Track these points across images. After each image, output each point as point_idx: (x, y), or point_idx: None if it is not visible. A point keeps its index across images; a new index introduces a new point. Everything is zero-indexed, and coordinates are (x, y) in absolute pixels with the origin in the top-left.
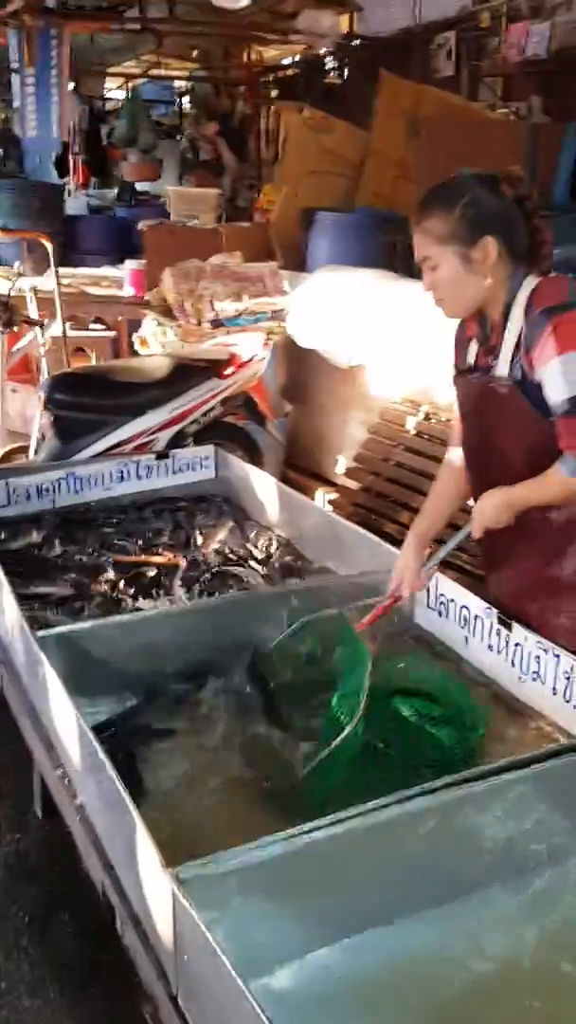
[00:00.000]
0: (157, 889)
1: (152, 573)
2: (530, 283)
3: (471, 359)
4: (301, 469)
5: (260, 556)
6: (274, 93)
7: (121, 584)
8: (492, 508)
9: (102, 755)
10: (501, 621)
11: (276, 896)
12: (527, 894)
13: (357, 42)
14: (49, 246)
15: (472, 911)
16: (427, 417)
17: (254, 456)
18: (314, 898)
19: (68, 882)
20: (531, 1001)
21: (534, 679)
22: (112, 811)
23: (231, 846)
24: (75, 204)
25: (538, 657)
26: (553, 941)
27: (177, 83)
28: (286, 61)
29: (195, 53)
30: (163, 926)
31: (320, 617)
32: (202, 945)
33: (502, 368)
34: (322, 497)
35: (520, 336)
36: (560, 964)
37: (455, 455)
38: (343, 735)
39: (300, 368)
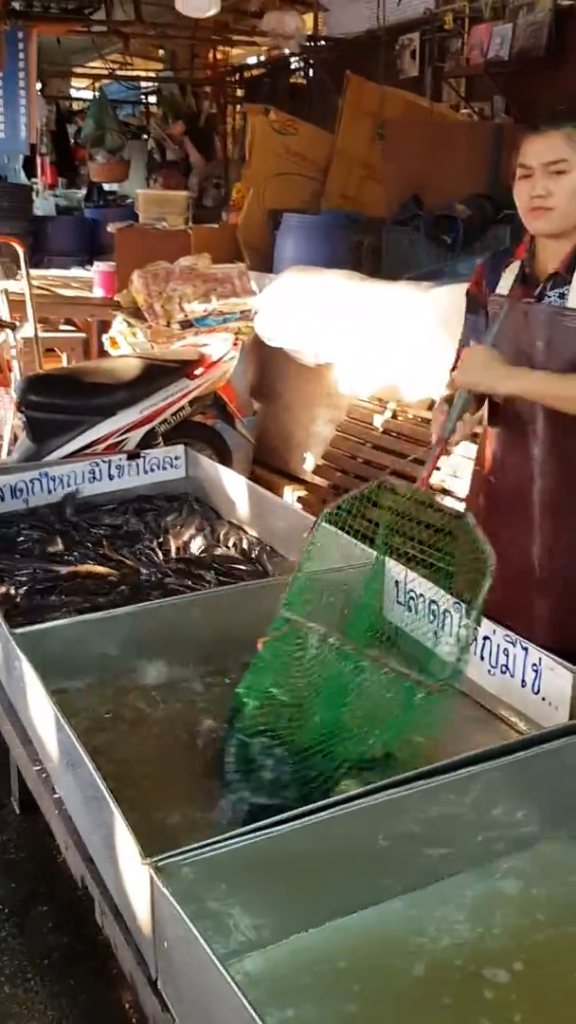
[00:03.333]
0: (136, 879)
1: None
2: None
3: (504, 288)
4: (270, 467)
5: (233, 554)
6: (240, 93)
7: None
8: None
9: (80, 750)
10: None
11: (251, 885)
12: (494, 880)
13: (322, 43)
14: (20, 250)
15: (442, 897)
16: (394, 415)
17: (223, 455)
18: (289, 886)
19: (46, 875)
20: (499, 980)
21: (503, 672)
22: (91, 804)
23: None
24: (43, 204)
25: (506, 650)
26: (520, 924)
27: (143, 83)
28: (252, 60)
29: (161, 53)
30: (142, 914)
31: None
32: (181, 931)
33: (573, 299)
34: (291, 495)
35: None
36: (526, 945)
37: None
38: None
39: (268, 367)
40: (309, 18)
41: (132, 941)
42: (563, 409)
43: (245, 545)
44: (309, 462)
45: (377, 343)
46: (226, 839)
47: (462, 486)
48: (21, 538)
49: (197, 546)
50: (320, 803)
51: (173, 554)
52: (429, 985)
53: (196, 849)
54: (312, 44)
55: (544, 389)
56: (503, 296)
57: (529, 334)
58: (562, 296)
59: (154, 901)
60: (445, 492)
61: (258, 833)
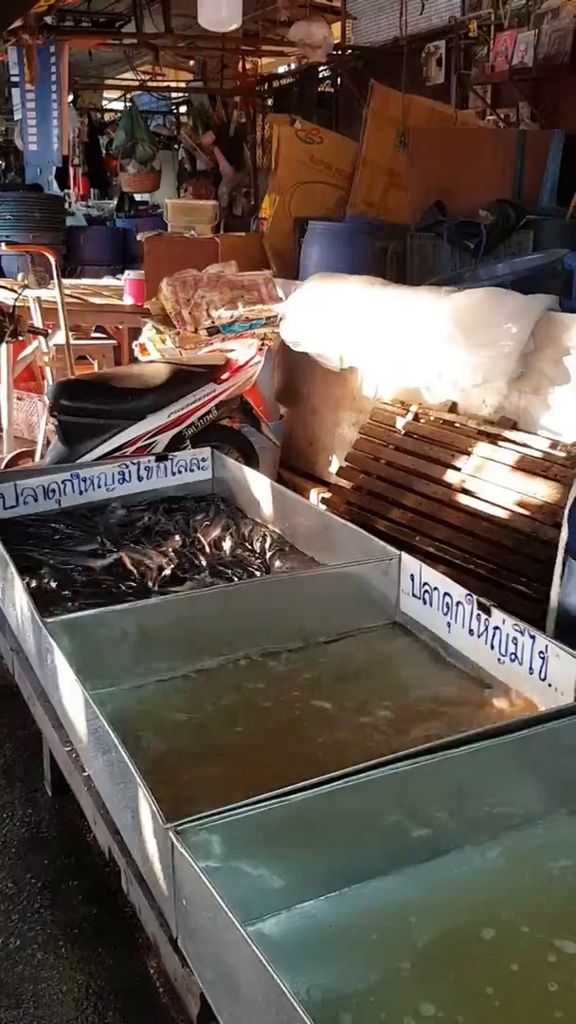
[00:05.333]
0: (158, 844)
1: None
2: None
3: None
4: (296, 470)
5: (256, 551)
6: (269, 102)
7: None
8: None
9: (108, 729)
10: (480, 606)
11: (266, 851)
12: (499, 853)
13: (349, 52)
14: (52, 259)
15: (449, 868)
16: (416, 417)
17: (250, 458)
18: (302, 854)
19: (76, 852)
20: (487, 937)
21: (512, 660)
22: (118, 779)
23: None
24: (80, 214)
25: (515, 639)
26: (522, 895)
27: (174, 94)
28: (282, 69)
29: (191, 64)
30: (164, 877)
31: None
32: (199, 891)
33: None
34: (315, 496)
35: None
36: (527, 915)
37: None
38: None
39: (294, 372)
40: (337, 27)
41: (155, 905)
42: None
43: (268, 544)
44: (334, 464)
45: (400, 347)
46: (244, 805)
47: None
48: (57, 536)
49: (223, 545)
50: (332, 774)
51: (201, 552)
52: (434, 951)
53: (215, 815)
54: (340, 53)
55: None
56: None
57: None
58: None
59: (174, 863)
60: None
61: (274, 800)
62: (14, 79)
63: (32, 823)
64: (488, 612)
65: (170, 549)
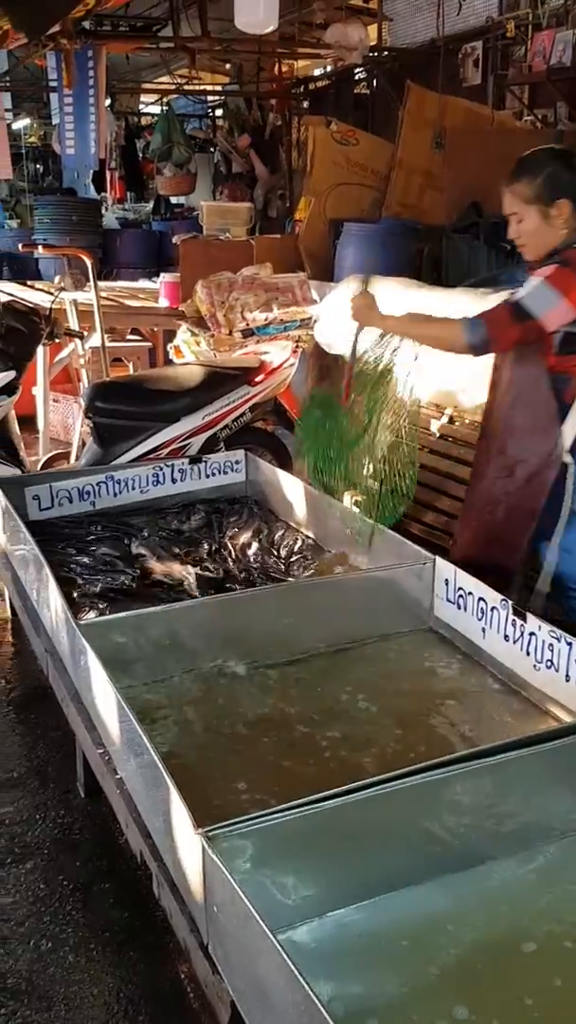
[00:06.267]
0: (189, 848)
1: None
2: None
3: None
4: None
5: (287, 554)
6: (305, 104)
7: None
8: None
9: (141, 732)
10: (516, 612)
11: (297, 859)
12: (534, 866)
13: (385, 53)
14: (88, 262)
15: (481, 880)
16: (451, 420)
17: (283, 460)
18: (333, 862)
19: (107, 855)
20: (535, 963)
21: (548, 667)
22: (150, 782)
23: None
24: (111, 218)
25: (551, 645)
26: (557, 910)
27: (210, 97)
28: (317, 72)
29: (227, 67)
30: (195, 882)
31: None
32: (230, 897)
33: None
34: (349, 499)
35: None
36: (563, 931)
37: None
38: None
39: (327, 374)
40: (373, 29)
41: (186, 910)
42: (426, 345)
43: (297, 547)
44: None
45: (435, 350)
46: (276, 811)
47: None
48: (91, 538)
49: (255, 548)
50: (365, 781)
51: (232, 555)
52: (473, 962)
53: (247, 821)
54: (376, 55)
55: (399, 329)
56: None
57: None
58: None
59: (205, 868)
60: None
61: (306, 807)
62: (52, 84)
63: (64, 824)
64: (524, 618)
65: (203, 552)
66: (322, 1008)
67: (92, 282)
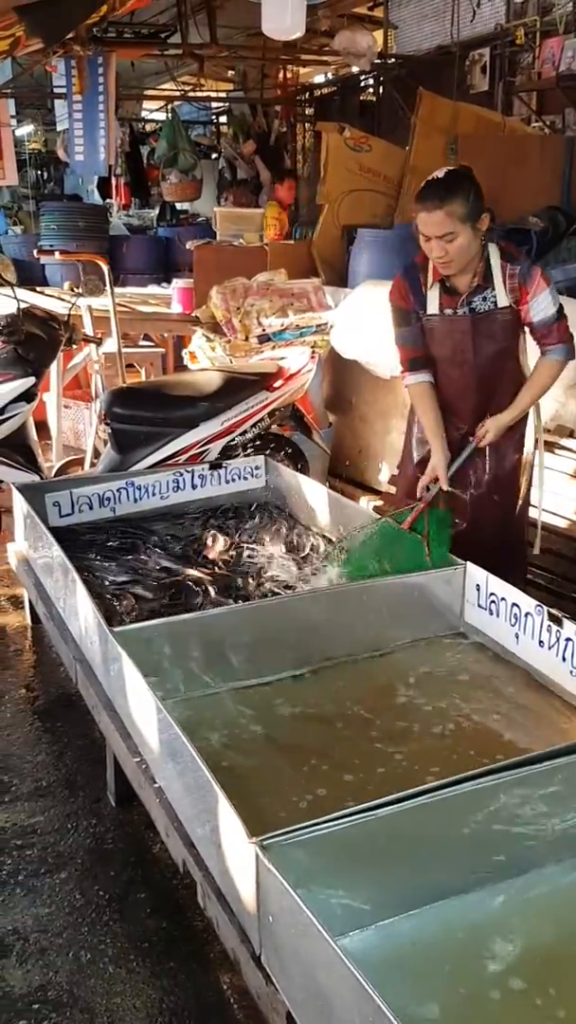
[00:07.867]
0: (241, 858)
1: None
2: (490, 245)
3: (433, 304)
4: (345, 478)
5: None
6: (309, 111)
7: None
8: (496, 429)
9: (184, 739)
10: (552, 618)
11: (349, 867)
12: None
13: (392, 60)
14: (105, 267)
15: (531, 887)
16: None
17: (300, 465)
18: (383, 870)
19: (142, 864)
20: None
21: None
22: (195, 791)
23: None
24: (117, 224)
25: None
26: None
27: (214, 103)
28: (319, 79)
29: (231, 73)
30: (247, 892)
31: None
32: (288, 906)
33: (502, 300)
34: (366, 504)
35: (504, 276)
36: None
37: (426, 376)
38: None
39: (343, 380)
40: (379, 36)
41: (235, 920)
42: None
43: (320, 551)
44: (384, 473)
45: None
46: (327, 820)
47: None
48: (111, 544)
49: (277, 553)
50: (415, 789)
51: (257, 560)
52: (517, 971)
53: (299, 830)
54: (382, 62)
55: (530, 403)
56: (422, 315)
57: (481, 332)
58: (487, 300)
59: (259, 878)
60: None
61: (358, 816)
62: (59, 90)
63: (97, 834)
64: (560, 624)
65: (225, 557)
66: (393, 1019)
67: (109, 287)
